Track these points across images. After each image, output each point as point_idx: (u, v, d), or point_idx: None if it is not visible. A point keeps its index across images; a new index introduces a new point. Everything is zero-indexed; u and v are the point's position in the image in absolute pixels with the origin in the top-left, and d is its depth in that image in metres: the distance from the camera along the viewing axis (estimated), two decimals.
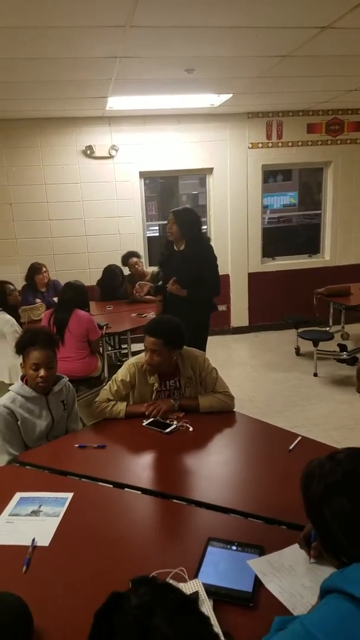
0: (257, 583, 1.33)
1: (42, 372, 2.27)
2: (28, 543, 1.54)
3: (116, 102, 4.83)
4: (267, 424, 2.33)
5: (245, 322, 6.45)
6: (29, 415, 2.31)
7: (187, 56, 3.49)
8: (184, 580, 1.34)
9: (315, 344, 4.92)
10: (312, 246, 6.72)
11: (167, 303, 3.72)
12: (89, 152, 5.62)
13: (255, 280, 6.36)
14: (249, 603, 1.27)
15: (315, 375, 4.94)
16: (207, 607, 1.23)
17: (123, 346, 5.29)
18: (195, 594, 1.25)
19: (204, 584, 1.29)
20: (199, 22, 2.85)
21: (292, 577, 1.36)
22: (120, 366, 5.14)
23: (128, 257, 5.26)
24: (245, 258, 6.28)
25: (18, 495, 1.80)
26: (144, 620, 0.74)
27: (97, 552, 1.51)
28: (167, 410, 2.33)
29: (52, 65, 3.50)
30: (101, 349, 4.37)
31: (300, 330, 5.33)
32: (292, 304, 6.27)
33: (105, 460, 2.06)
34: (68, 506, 1.72)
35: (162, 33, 2.98)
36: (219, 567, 1.40)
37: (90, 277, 5.66)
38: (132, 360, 2.48)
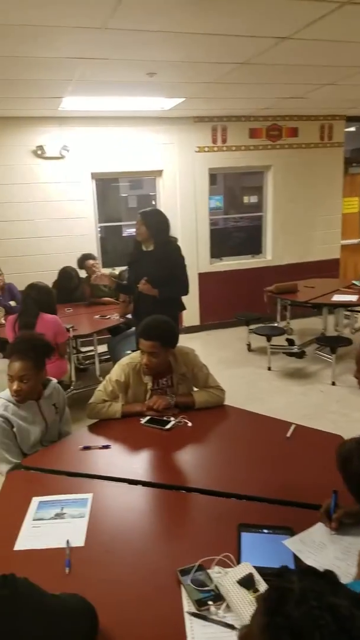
0: (296, 560, 1.44)
1: (14, 386, 2.20)
2: (62, 545, 1.54)
3: (70, 103, 4.77)
4: (257, 415, 2.45)
5: (196, 321, 6.60)
6: (22, 422, 2.26)
7: (152, 60, 3.56)
8: (230, 566, 1.42)
9: (269, 340, 5.18)
10: (252, 247, 7.02)
11: (137, 303, 3.74)
12: (39, 152, 5.48)
13: (205, 280, 6.54)
14: None
15: (269, 369, 5.19)
16: (263, 586, 1.31)
17: (83, 349, 5.23)
18: (251, 576, 1.33)
19: None
20: (172, 27, 2.91)
21: (324, 552, 1.48)
22: (84, 370, 5.15)
23: (84, 260, 5.20)
24: (195, 259, 6.43)
25: (36, 500, 1.78)
26: (323, 602, 0.75)
27: (134, 547, 1.54)
28: (165, 405, 2.37)
29: (14, 64, 3.41)
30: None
31: (251, 326, 5.57)
32: (239, 302, 6.52)
33: (114, 459, 2.08)
34: (91, 506, 1.74)
35: (134, 36, 3.02)
36: (258, 550, 1.49)
37: (42, 280, 5.50)
38: (125, 360, 2.51)
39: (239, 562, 1.44)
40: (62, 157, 5.60)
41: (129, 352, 4.67)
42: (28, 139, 5.47)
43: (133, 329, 4.83)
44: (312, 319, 6.62)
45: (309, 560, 1.44)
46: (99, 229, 6.14)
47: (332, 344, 4.84)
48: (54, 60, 3.36)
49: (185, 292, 3.74)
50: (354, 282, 5.62)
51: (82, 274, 5.29)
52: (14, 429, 2.22)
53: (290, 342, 5.67)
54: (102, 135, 5.72)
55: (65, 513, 1.71)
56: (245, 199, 7.60)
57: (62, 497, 1.79)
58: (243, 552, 1.48)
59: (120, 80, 4.04)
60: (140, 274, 3.65)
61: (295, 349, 5.42)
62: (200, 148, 6.20)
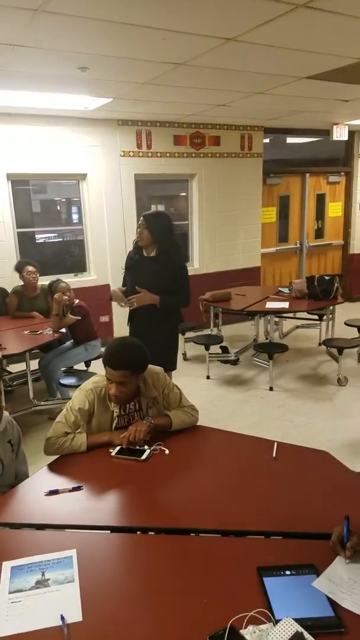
0: (332, 604, 1.29)
1: None
2: (57, 622, 1.25)
3: None
4: (235, 434, 2.31)
5: (126, 331, 6.30)
6: None
7: (86, 52, 3.27)
8: (264, 622, 1.23)
9: (207, 348, 5.08)
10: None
11: (135, 313, 3.47)
12: None
13: None
14: (341, 628, 1.22)
15: (208, 377, 5.10)
16: None
17: (7, 369, 4.73)
18: (300, 635, 1.15)
19: None
20: (114, 17, 2.67)
21: (357, 589, 1.34)
22: (10, 392, 4.65)
23: (24, 265, 4.70)
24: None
25: (7, 566, 1.45)
26: None
27: (145, 613, 1.29)
28: (147, 431, 2.11)
29: None
30: None
31: (186, 335, 5.43)
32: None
33: (90, 503, 1.79)
34: (78, 566, 1.45)
35: (70, 23, 2.72)
36: (289, 598, 1.32)
37: None
38: (88, 385, 2.20)
39: (273, 615, 1.25)
40: None
41: (63, 368, 4.35)
42: None
43: (67, 343, 4.47)
44: (238, 325, 6.69)
45: (345, 603, 1.30)
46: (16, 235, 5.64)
47: (270, 350, 4.86)
48: None
49: (187, 303, 3.46)
50: (281, 289, 5.74)
51: (15, 281, 4.79)
52: None
53: (224, 350, 5.63)
54: (19, 133, 5.26)
55: (48, 579, 1.40)
56: (153, 207, 7.42)
57: (40, 558, 1.47)
58: (273, 602, 1.30)
59: (47, 73, 3.69)
60: (139, 281, 3.34)
61: (232, 357, 5.39)
62: (126, 152, 5.98)
